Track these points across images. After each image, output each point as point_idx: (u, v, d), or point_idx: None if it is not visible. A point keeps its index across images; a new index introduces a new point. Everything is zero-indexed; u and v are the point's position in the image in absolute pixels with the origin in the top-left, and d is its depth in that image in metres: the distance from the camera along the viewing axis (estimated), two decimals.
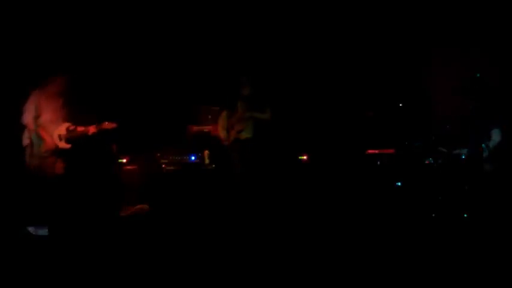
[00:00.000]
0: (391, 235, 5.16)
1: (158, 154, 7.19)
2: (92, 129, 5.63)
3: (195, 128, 7.22)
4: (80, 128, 5.61)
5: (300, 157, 7.39)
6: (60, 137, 5.50)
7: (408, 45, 7.35)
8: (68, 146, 5.51)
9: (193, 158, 7.17)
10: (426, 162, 6.34)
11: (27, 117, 5.39)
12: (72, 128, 5.57)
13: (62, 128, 5.53)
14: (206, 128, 7.15)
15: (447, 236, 5.10)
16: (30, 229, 5.27)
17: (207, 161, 7.06)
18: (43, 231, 5.26)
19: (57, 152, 5.50)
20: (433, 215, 5.78)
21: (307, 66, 7.58)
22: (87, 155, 6.11)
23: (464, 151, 5.95)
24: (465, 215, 5.60)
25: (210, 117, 7.18)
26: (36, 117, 5.38)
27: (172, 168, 7.12)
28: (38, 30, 6.29)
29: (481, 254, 4.41)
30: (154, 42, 7.25)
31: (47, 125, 5.46)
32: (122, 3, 6.84)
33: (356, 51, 7.50)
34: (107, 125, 5.67)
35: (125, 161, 6.85)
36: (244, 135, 6.25)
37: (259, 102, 6.28)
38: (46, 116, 5.44)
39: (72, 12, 6.56)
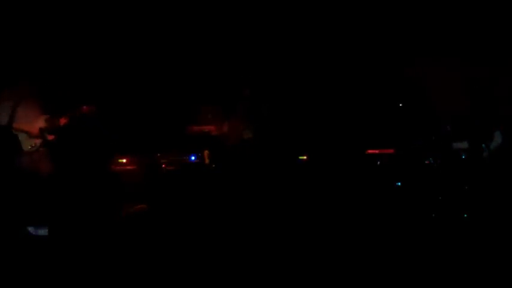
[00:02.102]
0: (391, 235, 5.16)
1: (158, 154, 7.18)
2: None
3: (195, 128, 7.21)
4: (58, 117, 5.60)
5: (300, 157, 7.38)
6: (41, 130, 5.51)
7: (408, 45, 7.35)
8: (51, 137, 5.51)
9: (193, 158, 7.17)
10: (426, 162, 6.34)
11: (4, 117, 5.37)
12: (50, 119, 5.56)
13: (40, 122, 5.53)
14: (206, 128, 7.14)
15: (447, 236, 5.10)
16: (30, 229, 5.27)
17: (207, 161, 7.05)
18: (43, 231, 5.26)
19: (44, 145, 5.50)
20: (433, 215, 5.78)
21: (307, 66, 7.58)
22: (78, 151, 6.10)
23: (464, 145, 5.95)
24: (465, 215, 5.60)
25: (210, 117, 7.18)
26: (14, 115, 5.37)
27: (172, 168, 7.11)
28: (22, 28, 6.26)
29: (481, 254, 4.41)
30: (154, 42, 7.24)
31: (26, 120, 5.46)
32: (121, 1, 6.84)
33: (356, 51, 7.50)
34: (85, 109, 5.65)
35: (125, 161, 6.84)
36: (246, 135, 6.26)
37: (260, 102, 6.29)
38: (22, 112, 5.44)
39: (70, 10, 6.55)
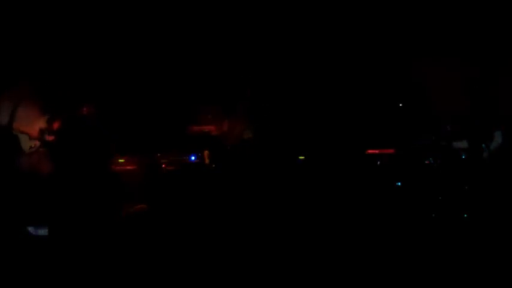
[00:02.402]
0: (391, 235, 5.16)
1: (158, 154, 7.18)
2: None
3: (195, 128, 7.21)
4: (58, 118, 5.61)
5: (300, 157, 7.38)
6: (41, 131, 5.51)
7: (408, 45, 7.34)
8: (52, 137, 5.52)
9: (193, 158, 7.16)
10: (426, 162, 6.34)
11: (4, 117, 5.38)
12: (50, 120, 5.57)
13: (41, 122, 5.54)
14: (206, 128, 7.14)
15: (447, 236, 5.10)
16: (30, 229, 5.27)
17: (207, 161, 7.05)
18: (43, 231, 5.26)
19: (44, 145, 5.51)
20: (433, 215, 5.79)
21: (307, 66, 7.57)
22: (78, 151, 6.10)
23: (464, 144, 5.95)
24: (465, 215, 5.60)
25: (210, 117, 7.18)
26: (14, 115, 5.38)
27: (172, 168, 7.11)
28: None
29: (481, 254, 4.41)
30: (154, 42, 7.24)
31: (26, 121, 5.47)
32: (121, 1, 6.84)
33: (356, 52, 7.49)
34: (85, 109, 5.68)
35: (124, 161, 6.84)
36: (246, 135, 6.27)
37: (260, 102, 6.29)
38: (23, 112, 5.45)
39: (70, 10, 6.55)
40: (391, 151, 6.93)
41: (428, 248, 4.61)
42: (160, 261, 4.39)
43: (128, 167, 6.86)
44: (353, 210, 6.14)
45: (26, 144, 5.44)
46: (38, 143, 5.48)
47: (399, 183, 6.57)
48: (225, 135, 6.69)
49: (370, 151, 7.05)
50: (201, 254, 4.57)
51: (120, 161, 6.81)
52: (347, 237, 5.10)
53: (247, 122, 6.37)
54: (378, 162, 6.94)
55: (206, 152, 7.08)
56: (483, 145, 5.77)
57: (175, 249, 4.77)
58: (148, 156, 7.06)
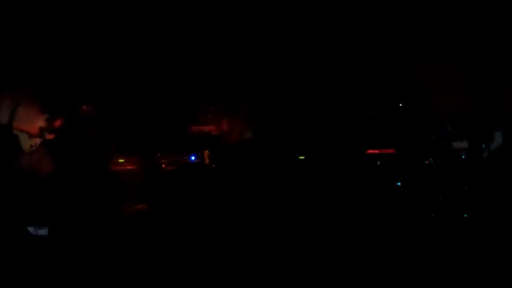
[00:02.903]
0: (391, 235, 5.17)
1: (158, 154, 7.18)
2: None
3: (195, 128, 7.21)
4: (58, 117, 5.60)
5: (300, 157, 7.38)
6: (41, 130, 5.51)
7: (408, 45, 7.35)
8: (52, 136, 5.52)
9: (193, 158, 7.17)
10: (426, 162, 6.35)
11: (4, 117, 5.37)
12: (50, 119, 5.56)
13: (40, 122, 5.53)
14: (206, 128, 7.14)
15: (447, 236, 5.10)
16: (30, 229, 5.26)
17: (207, 161, 7.05)
18: (43, 231, 5.26)
19: (44, 144, 5.50)
20: (433, 215, 5.79)
21: (307, 66, 7.58)
22: (77, 151, 6.09)
23: (464, 144, 5.96)
24: (465, 215, 5.60)
25: (210, 117, 7.18)
26: (14, 114, 5.37)
27: (172, 168, 7.11)
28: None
29: (481, 254, 4.41)
30: (154, 41, 7.24)
31: (26, 120, 5.46)
32: (121, 1, 6.84)
33: (356, 51, 7.50)
34: (85, 109, 5.68)
35: (124, 161, 6.84)
36: (246, 135, 6.27)
37: (260, 102, 6.30)
38: (23, 112, 5.45)
39: (70, 10, 6.55)
40: (391, 151, 6.93)
41: (428, 247, 4.61)
42: (161, 261, 4.40)
43: (128, 167, 6.86)
44: (353, 210, 6.14)
45: (26, 143, 5.44)
46: (38, 142, 5.48)
47: (399, 183, 6.57)
48: (225, 135, 6.70)
49: (370, 151, 7.05)
50: (201, 253, 4.57)
51: (120, 161, 6.81)
52: (347, 237, 5.10)
53: (247, 122, 6.37)
54: (378, 162, 6.94)
55: (206, 152, 7.08)
56: (483, 145, 5.77)
57: (175, 249, 4.77)
58: (148, 156, 7.06)
